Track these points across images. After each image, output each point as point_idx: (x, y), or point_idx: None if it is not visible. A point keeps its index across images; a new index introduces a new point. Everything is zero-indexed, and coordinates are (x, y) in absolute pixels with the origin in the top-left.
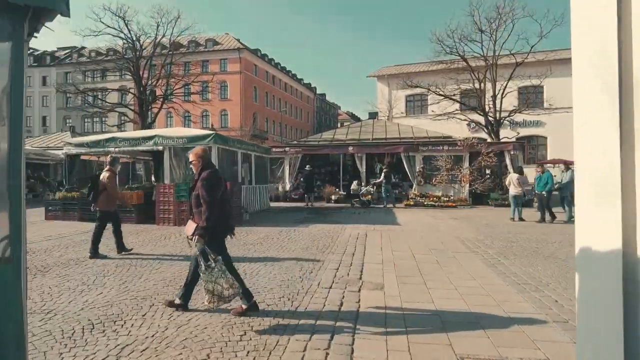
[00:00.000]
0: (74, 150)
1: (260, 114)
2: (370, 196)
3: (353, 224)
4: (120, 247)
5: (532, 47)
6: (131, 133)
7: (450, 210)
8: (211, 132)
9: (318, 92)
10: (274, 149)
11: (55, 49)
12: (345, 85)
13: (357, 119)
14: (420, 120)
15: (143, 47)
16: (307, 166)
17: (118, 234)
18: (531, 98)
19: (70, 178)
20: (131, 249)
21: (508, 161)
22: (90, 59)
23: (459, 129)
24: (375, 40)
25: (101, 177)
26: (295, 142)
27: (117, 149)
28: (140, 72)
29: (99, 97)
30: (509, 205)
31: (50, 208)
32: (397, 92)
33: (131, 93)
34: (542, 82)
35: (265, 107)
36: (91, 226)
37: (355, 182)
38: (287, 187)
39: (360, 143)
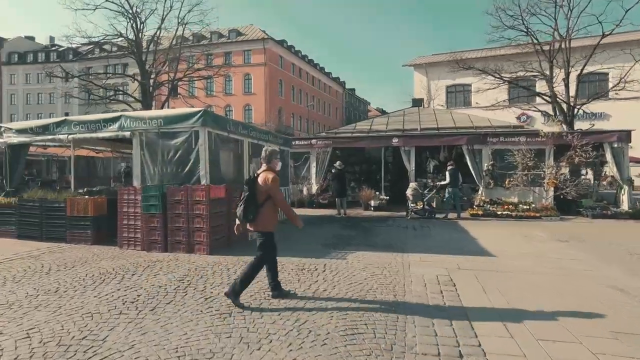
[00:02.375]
0: (15, 139)
1: (286, 109)
2: (423, 203)
3: (415, 251)
4: (277, 287)
5: (627, 11)
6: (90, 116)
7: (537, 224)
8: (199, 109)
9: (347, 86)
10: (297, 142)
11: (79, 44)
12: (376, 80)
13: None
14: (465, 112)
15: (143, 21)
16: (338, 162)
17: (273, 267)
18: (601, 86)
19: (13, 176)
20: (293, 292)
21: (609, 157)
22: (112, 53)
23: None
24: (408, 30)
25: (259, 179)
26: (323, 133)
27: (70, 136)
28: (144, 55)
29: (121, 89)
30: (612, 217)
31: None
32: (437, 82)
33: (136, 80)
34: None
35: (291, 102)
36: (38, 247)
37: (414, 185)
38: (314, 189)
39: (408, 134)
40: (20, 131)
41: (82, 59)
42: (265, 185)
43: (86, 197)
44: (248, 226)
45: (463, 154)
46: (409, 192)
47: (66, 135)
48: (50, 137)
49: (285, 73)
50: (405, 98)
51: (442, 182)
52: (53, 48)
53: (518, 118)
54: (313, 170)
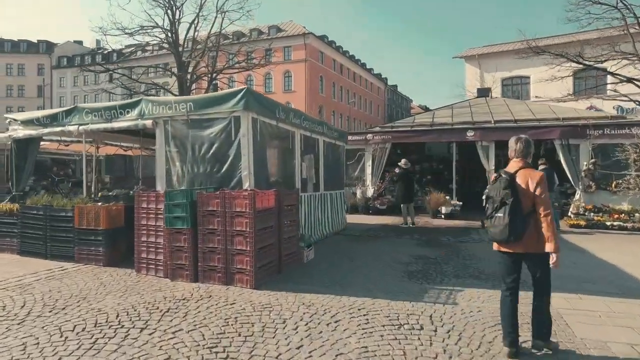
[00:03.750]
0: (21, 133)
1: (327, 106)
2: None
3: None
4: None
5: None
6: (105, 103)
7: None
8: (240, 88)
9: (389, 83)
10: (349, 138)
11: (123, 47)
12: (419, 77)
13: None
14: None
15: (178, 7)
16: (403, 160)
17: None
18: None
19: (20, 178)
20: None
21: None
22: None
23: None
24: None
25: (520, 180)
26: (377, 127)
27: (81, 127)
28: (181, 46)
29: (160, 85)
30: None
31: None
32: (494, 74)
33: (173, 73)
34: None
35: (331, 99)
36: (36, 269)
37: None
38: (370, 192)
39: (485, 126)
40: (26, 122)
41: (126, 59)
42: (532, 188)
43: (99, 204)
44: (505, 247)
45: (553, 151)
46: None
47: (76, 126)
48: (59, 128)
49: (326, 69)
50: (458, 91)
51: None
52: (99, 51)
53: (590, 109)
54: (368, 169)
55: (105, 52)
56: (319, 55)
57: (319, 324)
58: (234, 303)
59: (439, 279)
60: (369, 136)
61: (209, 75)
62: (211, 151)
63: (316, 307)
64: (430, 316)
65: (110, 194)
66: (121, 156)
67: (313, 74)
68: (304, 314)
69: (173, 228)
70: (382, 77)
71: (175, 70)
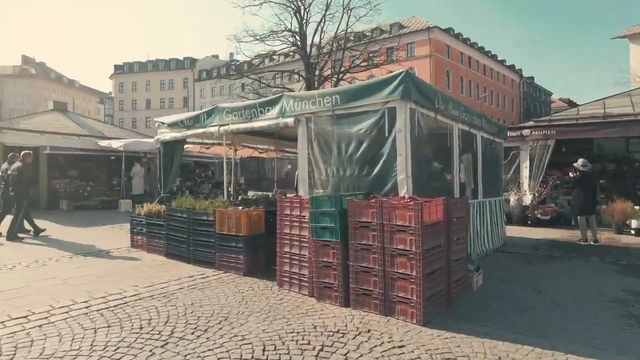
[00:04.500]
0: (167, 135)
1: None
2: None
3: None
4: None
5: None
6: (244, 102)
7: None
8: (398, 72)
9: (524, 74)
10: None
11: (254, 55)
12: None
13: (575, 105)
14: None
15: (306, 8)
16: (581, 161)
17: None
18: None
19: (167, 180)
20: None
21: None
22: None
23: None
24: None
25: None
26: (531, 122)
27: (222, 128)
28: (308, 47)
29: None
30: None
31: (137, 229)
32: None
33: (301, 76)
34: None
35: (459, 95)
36: (179, 275)
37: None
38: (527, 199)
39: None
40: (172, 125)
41: (255, 68)
42: None
43: (239, 208)
44: None
45: None
46: None
47: (217, 127)
48: (201, 130)
49: (453, 63)
50: (622, 77)
51: None
52: (232, 63)
53: None
54: (525, 172)
55: (238, 63)
56: (444, 49)
57: None
58: (402, 346)
59: None
60: (526, 132)
61: (336, 77)
62: (359, 151)
63: None
64: None
65: (249, 197)
66: (254, 159)
67: (438, 69)
68: None
69: (320, 240)
70: (517, 68)
71: (302, 73)
